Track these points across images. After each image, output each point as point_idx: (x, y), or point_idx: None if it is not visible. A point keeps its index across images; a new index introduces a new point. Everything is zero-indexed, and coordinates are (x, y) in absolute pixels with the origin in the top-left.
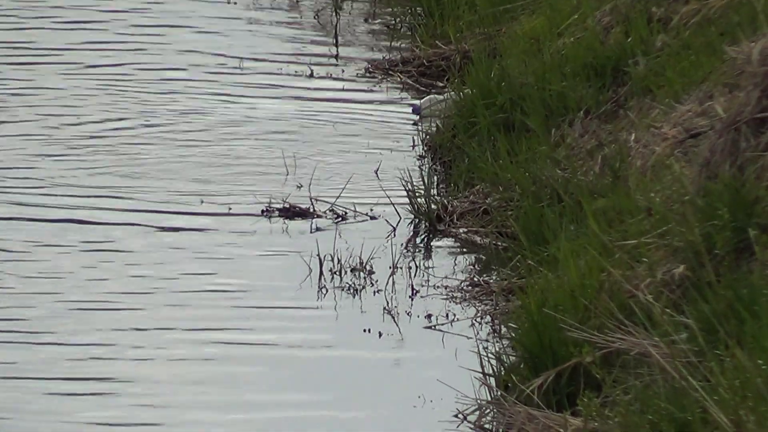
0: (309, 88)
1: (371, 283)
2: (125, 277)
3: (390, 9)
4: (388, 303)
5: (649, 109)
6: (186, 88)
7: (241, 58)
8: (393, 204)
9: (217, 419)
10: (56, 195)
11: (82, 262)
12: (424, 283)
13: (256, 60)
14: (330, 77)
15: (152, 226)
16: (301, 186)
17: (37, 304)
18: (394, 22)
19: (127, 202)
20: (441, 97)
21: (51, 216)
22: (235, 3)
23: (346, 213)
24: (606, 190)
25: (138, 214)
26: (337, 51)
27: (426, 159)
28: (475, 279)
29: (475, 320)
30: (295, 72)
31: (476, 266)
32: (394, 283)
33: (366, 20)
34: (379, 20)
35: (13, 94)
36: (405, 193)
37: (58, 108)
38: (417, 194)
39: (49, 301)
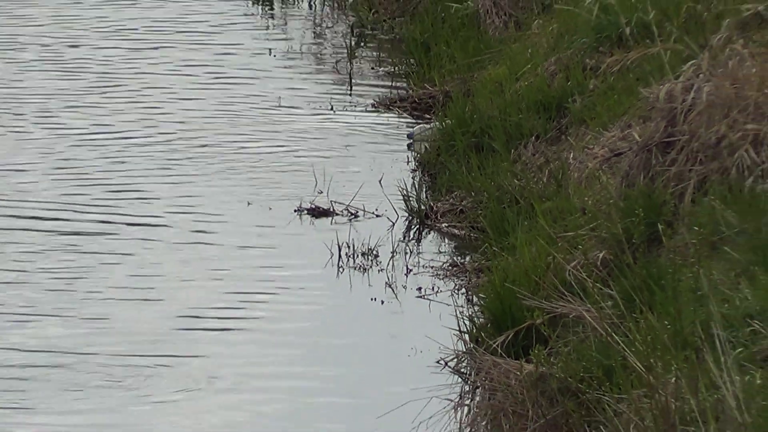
0: (330, 119)
1: (376, 264)
2: (213, 255)
3: (391, 59)
4: (388, 279)
5: (583, 135)
6: (236, 117)
7: (279, 96)
8: (393, 205)
9: (266, 353)
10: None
11: (179, 249)
12: (415, 264)
13: (290, 96)
14: (345, 110)
15: (213, 222)
16: (322, 192)
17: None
18: (394, 69)
19: (201, 205)
20: (428, 125)
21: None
22: (274, 56)
23: (357, 212)
24: (551, 195)
25: (205, 213)
26: (351, 90)
27: (417, 172)
28: (454, 261)
29: (454, 292)
30: (320, 106)
31: (455, 251)
32: (393, 264)
33: (372, 68)
34: (382, 68)
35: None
36: (401, 197)
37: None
38: (410, 198)
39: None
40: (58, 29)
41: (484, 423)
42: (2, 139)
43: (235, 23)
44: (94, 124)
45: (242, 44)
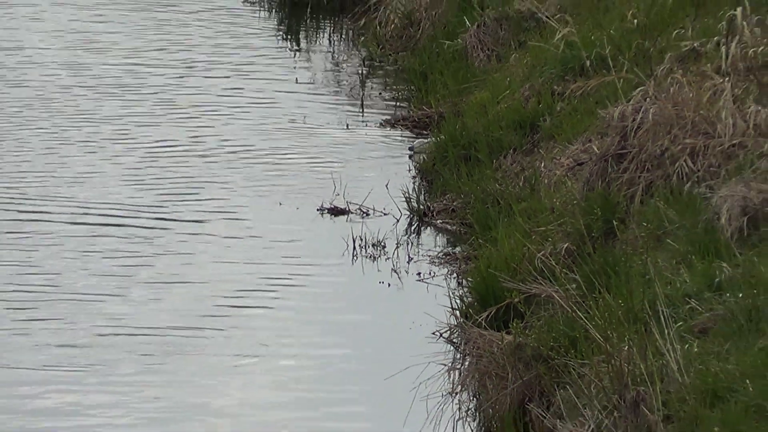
0: (345, 134)
1: (383, 253)
2: (251, 246)
3: (395, 86)
4: (393, 265)
5: (552, 148)
6: (268, 133)
7: (304, 115)
8: (397, 205)
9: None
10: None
11: (221, 243)
12: (415, 254)
13: (313, 116)
14: (358, 127)
15: (250, 219)
16: (339, 194)
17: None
18: (397, 94)
19: (239, 207)
20: (426, 140)
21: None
22: (300, 82)
23: (368, 211)
24: (526, 197)
25: (244, 212)
26: (363, 111)
27: (417, 178)
28: (447, 251)
29: (447, 276)
30: (337, 124)
31: (447, 243)
32: (397, 253)
33: (380, 93)
34: (388, 93)
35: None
36: (404, 199)
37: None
38: (411, 199)
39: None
40: (122, 60)
41: (472, 384)
42: (85, 153)
43: (269, 56)
44: (155, 140)
45: (274, 73)
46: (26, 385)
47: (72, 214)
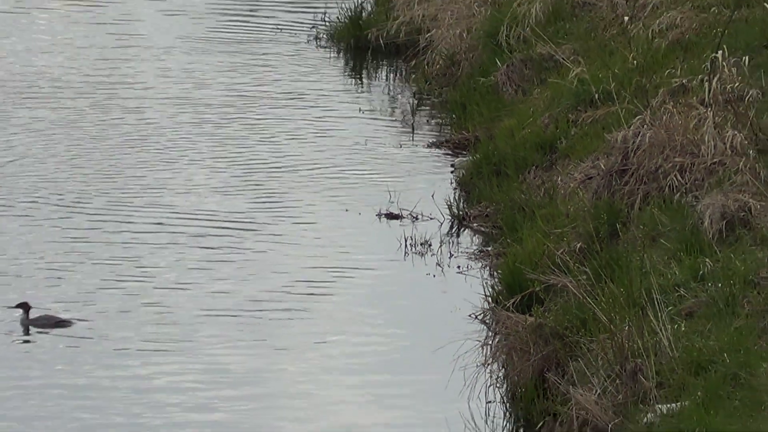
0: (399, 153)
1: (429, 250)
2: (321, 245)
3: (440, 115)
4: (438, 260)
5: (567, 165)
6: (337, 153)
7: (366, 139)
8: (440, 211)
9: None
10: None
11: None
12: (456, 251)
13: (373, 138)
14: (409, 148)
15: (321, 223)
16: (393, 202)
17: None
18: (441, 121)
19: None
20: (465, 158)
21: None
22: (362, 112)
23: (417, 216)
24: (545, 205)
25: (316, 217)
26: (413, 135)
27: (457, 189)
28: (482, 248)
29: (481, 269)
30: (393, 145)
31: (482, 242)
32: (441, 250)
33: (427, 120)
34: (434, 120)
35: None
36: (446, 206)
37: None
38: (452, 206)
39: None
40: (219, 92)
41: (501, 356)
42: (191, 167)
43: (337, 90)
44: (248, 159)
45: (342, 104)
46: (134, 359)
47: (179, 218)
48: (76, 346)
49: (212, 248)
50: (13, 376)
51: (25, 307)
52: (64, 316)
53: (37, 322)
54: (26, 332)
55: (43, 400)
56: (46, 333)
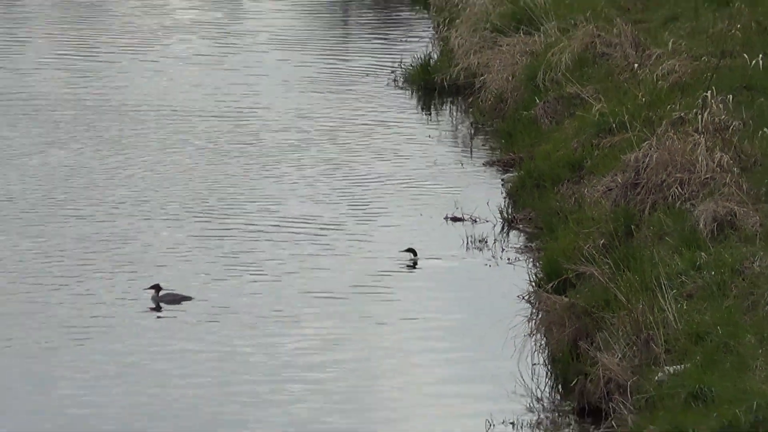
0: (461, 171)
1: (486, 246)
2: (397, 241)
3: (492, 139)
4: (492, 254)
5: (592, 179)
6: (412, 173)
7: (435, 159)
8: (494, 215)
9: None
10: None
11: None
12: (506, 246)
13: (440, 159)
14: (469, 166)
15: (398, 226)
16: (458, 207)
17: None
18: (493, 145)
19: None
20: (513, 174)
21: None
22: (431, 138)
23: (476, 219)
24: (575, 211)
25: (396, 221)
26: (472, 155)
27: (506, 198)
28: (527, 244)
29: (526, 260)
30: (456, 164)
31: (526, 239)
32: (494, 246)
33: (483, 144)
34: (488, 144)
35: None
36: (498, 211)
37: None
38: (503, 211)
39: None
40: (317, 122)
41: (542, 329)
42: (280, 176)
43: (410, 120)
44: (332, 177)
45: (413, 132)
46: (241, 339)
47: (288, 221)
48: (199, 320)
49: (314, 244)
50: (155, 342)
51: (156, 288)
52: (186, 293)
53: (165, 299)
54: (158, 308)
55: (186, 364)
56: (174, 307)
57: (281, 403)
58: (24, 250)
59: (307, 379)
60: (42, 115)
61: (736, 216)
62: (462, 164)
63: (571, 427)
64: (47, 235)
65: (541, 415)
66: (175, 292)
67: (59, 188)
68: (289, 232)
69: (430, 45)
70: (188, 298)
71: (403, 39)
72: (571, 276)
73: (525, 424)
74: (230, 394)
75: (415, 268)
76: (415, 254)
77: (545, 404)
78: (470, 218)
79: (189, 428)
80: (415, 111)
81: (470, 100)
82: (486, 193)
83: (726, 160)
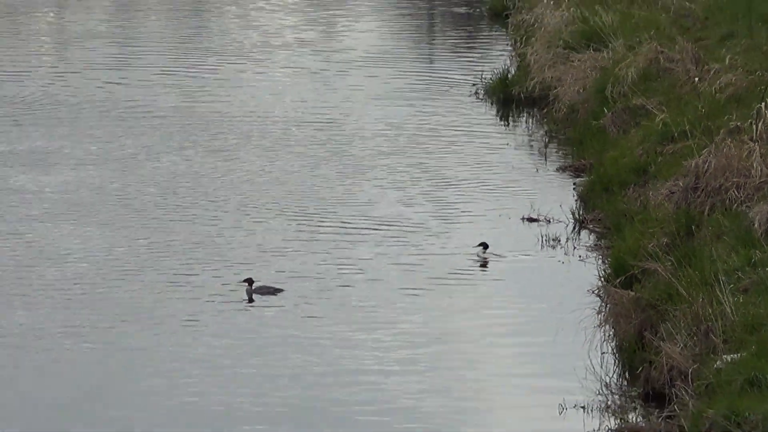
0: (536, 176)
1: (559, 245)
2: (476, 236)
3: (564, 147)
4: (564, 251)
5: (656, 183)
6: (491, 177)
7: (512, 166)
8: (566, 216)
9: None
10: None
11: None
12: (578, 245)
13: (518, 165)
14: (544, 172)
15: (481, 224)
16: (534, 209)
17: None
18: (566, 152)
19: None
20: (584, 179)
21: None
22: (509, 146)
23: (550, 219)
24: (641, 212)
25: (480, 223)
26: (546, 161)
27: (578, 201)
28: (596, 243)
29: (596, 257)
30: (531, 170)
31: (596, 238)
32: (567, 244)
33: (556, 150)
34: (561, 151)
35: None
36: (570, 212)
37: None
38: (575, 213)
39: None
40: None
41: (610, 320)
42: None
43: (490, 130)
44: (418, 180)
45: (493, 140)
46: (329, 330)
47: (374, 221)
48: (293, 311)
49: (401, 242)
50: (252, 330)
51: (249, 281)
52: (277, 286)
53: (258, 291)
54: (251, 300)
55: (287, 351)
56: (267, 298)
57: (368, 390)
58: (139, 247)
59: (390, 369)
60: (155, 125)
61: None
62: (537, 169)
63: (637, 411)
64: (160, 234)
65: (609, 400)
66: (267, 285)
67: (171, 191)
68: (378, 232)
69: (508, 60)
70: (280, 290)
71: (484, 55)
72: (636, 272)
73: (594, 408)
74: (319, 384)
75: (487, 262)
76: (486, 248)
77: (613, 390)
78: (545, 219)
79: (286, 414)
80: (494, 121)
81: (544, 110)
82: (559, 196)
83: None
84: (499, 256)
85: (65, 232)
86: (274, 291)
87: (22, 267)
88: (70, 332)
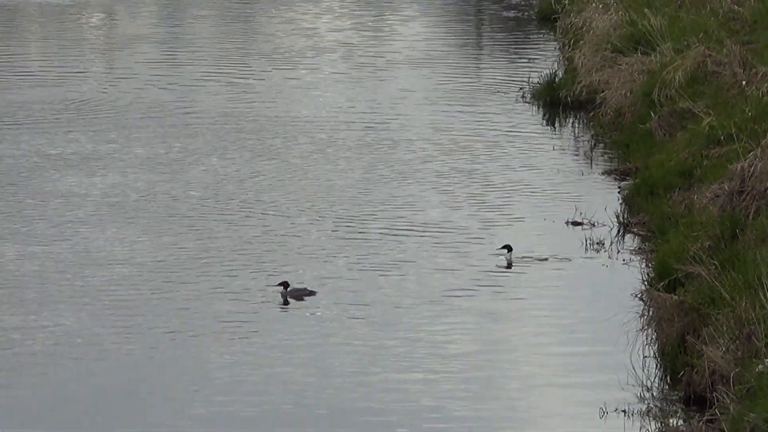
0: (581, 179)
1: (603, 248)
2: (524, 245)
3: (611, 150)
4: (609, 255)
5: (701, 186)
6: (535, 179)
7: (558, 169)
8: (610, 219)
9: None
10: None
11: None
12: (622, 248)
13: (563, 168)
14: (589, 175)
15: (527, 228)
16: (580, 213)
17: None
18: (612, 155)
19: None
20: (629, 182)
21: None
22: (554, 149)
23: (594, 223)
24: (685, 215)
25: (525, 225)
26: (592, 165)
27: (623, 204)
28: (640, 246)
29: (640, 261)
30: (577, 173)
31: (640, 241)
32: (611, 248)
33: (602, 154)
34: (607, 155)
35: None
36: (615, 216)
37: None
38: (619, 216)
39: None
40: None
41: (653, 324)
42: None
43: (537, 133)
44: (461, 183)
45: (540, 143)
46: (369, 319)
47: (414, 226)
48: (322, 311)
49: (446, 245)
50: (292, 332)
51: (285, 284)
52: (311, 288)
53: (292, 294)
54: (286, 302)
55: (321, 352)
56: (301, 300)
57: (411, 392)
58: (184, 250)
59: (433, 369)
60: (202, 128)
61: None
62: (582, 173)
63: (678, 414)
64: (205, 237)
65: (651, 404)
66: (301, 287)
67: (217, 195)
68: (422, 235)
69: (556, 64)
70: (313, 293)
71: (531, 58)
72: (680, 275)
73: (635, 412)
74: (360, 383)
75: (511, 264)
76: (510, 250)
77: (654, 393)
78: (589, 222)
79: (323, 416)
80: (541, 124)
81: (591, 114)
82: (604, 199)
83: None
84: (526, 258)
85: (111, 235)
86: (308, 293)
87: (68, 270)
88: (113, 334)
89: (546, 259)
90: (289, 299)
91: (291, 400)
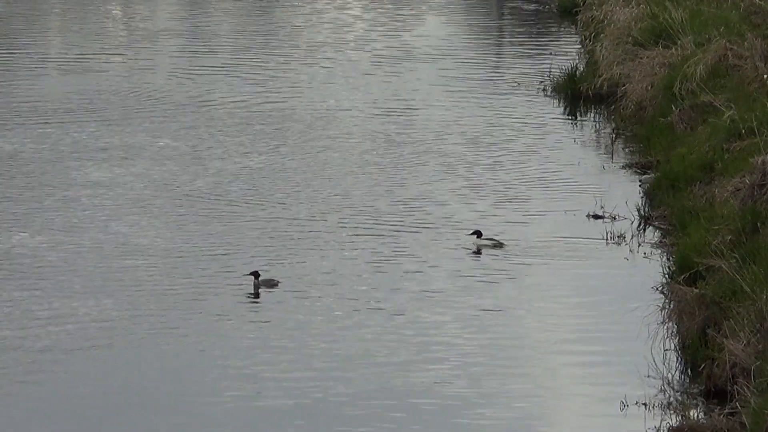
0: (603, 173)
1: (624, 241)
2: (545, 237)
3: (632, 144)
4: (630, 248)
5: (722, 180)
6: (559, 173)
7: (579, 161)
8: (631, 213)
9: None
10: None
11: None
12: (642, 241)
13: (585, 162)
14: (611, 169)
15: (548, 222)
16: (600, 206)
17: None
18: (633, 149)
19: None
20: (650, 176)
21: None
22: (578, 144)
23: (615, 216)
24: (706, 209)
25: (547, 220)
26: (613, 159)
27: (644, 197)
28: (661, 239)
29: (661, 254)
30: (599, 167)
31: (661, 235)
32: (632, 240)
33: (623, 148)
34: (628, 148)
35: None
36: (636, 209)
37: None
38: (640, 209)
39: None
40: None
41: (674, 317)
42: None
43: (558, 127)
44: (482, 175)
45: (561, 136)
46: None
47: (436, 218)
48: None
49: (458, 240)
50: (262, 319)
51: (255, 274)
52: (277, 279)
53: (263, 284)
54: (256, 292)
55: (292, 338)
56: (270, 290)
57: (423, 383)
58: (205, 240)
59: (450, 360)
60: (226, 120)
61: None
62: (603, 166)
63: (699, 408)
64: (229, 229)
65: (671, 397)
66: (269, 277)
67: (244, 186)
68: (441, 226)
69: (577, 57)
70: (279, 282)
71: (552, 51)
72: (701, 269)
73: (656, 405)
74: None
75: (480, 250)
76: (479, 236)
77: (675, 387)
78: (610, 215)
79: (328, 399)
80: (562, 117)
81: (612, 107)
82: (625, 192)
83: None
84: (492, 241)
85: (135, 225)
86: (275, 283)
87: (94, 259)
88: (132, 322)
89: (502, 245)
90: (259, 290)
91: (316, 387)
